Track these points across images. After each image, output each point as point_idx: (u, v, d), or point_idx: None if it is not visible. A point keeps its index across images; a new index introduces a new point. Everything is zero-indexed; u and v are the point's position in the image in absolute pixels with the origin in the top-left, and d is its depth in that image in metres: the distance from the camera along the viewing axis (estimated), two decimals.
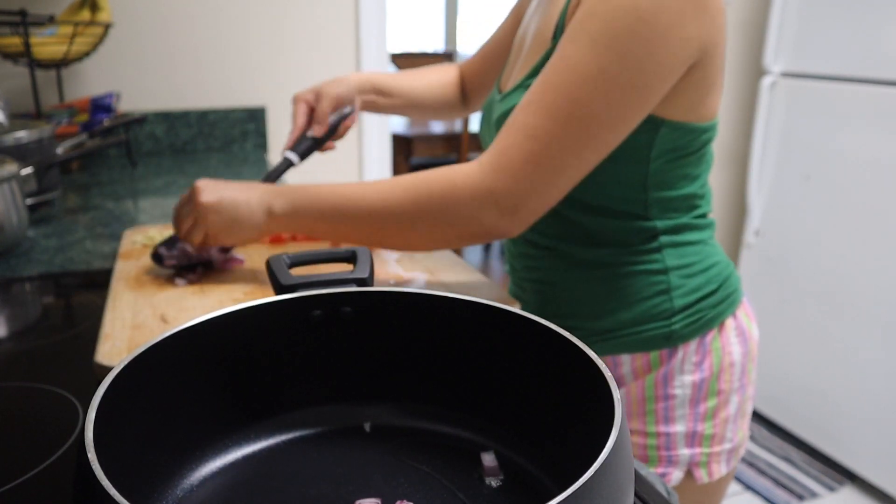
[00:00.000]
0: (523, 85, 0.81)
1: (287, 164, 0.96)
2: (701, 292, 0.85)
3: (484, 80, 1.11)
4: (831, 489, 2.08)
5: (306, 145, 0.99)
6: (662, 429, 0.87)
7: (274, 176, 0.94)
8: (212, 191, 0.80)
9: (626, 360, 0.87)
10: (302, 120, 1.02)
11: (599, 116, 0.71)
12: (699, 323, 0.85)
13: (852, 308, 2.00)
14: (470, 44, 5.34)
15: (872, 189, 1.92)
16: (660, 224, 0.84)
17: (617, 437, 0.33)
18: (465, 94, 1.15)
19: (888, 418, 1.95)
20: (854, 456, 2.07)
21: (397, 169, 3.29)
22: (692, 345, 0.85)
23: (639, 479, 0.51)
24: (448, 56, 4.58)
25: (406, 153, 3.28)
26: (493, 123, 0.87)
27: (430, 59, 4.49)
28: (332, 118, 1.03)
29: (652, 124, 0.77)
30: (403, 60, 4.32)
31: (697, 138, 0.81)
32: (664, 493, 0.51)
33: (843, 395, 2.07)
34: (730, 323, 0.88)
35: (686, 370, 0.85)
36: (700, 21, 0.71)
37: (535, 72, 0.80)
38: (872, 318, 1.95)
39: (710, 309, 0.85)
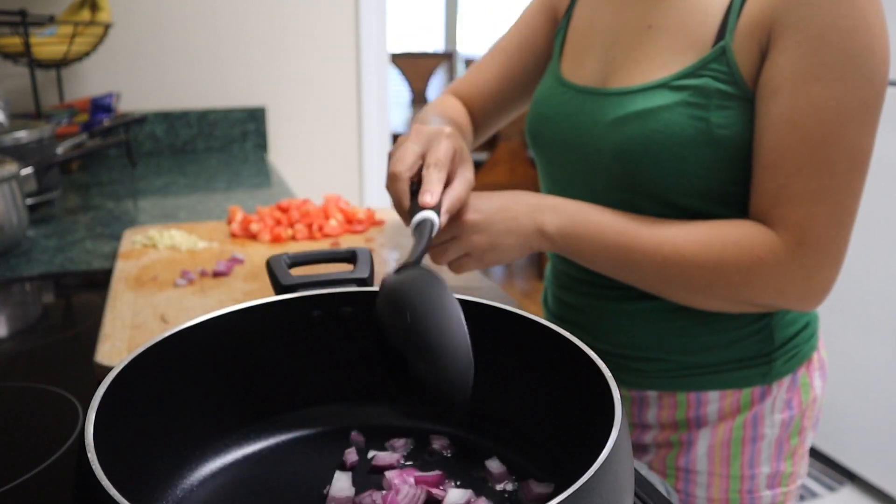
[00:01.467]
0: (670, 84, 0.71)
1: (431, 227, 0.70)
2: (798, 325, 0.80)
3: (500, 105, 0.96)
4: (831, 489, 2.08)
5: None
6: (748, 471, 0.81)
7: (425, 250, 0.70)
8: (474, 207, 0.70)
9: (714, 398, 0.79)
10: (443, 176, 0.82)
11: (868, 152, 0.68)
12: (796, 358, 0.80)
13: (852, 308, 2.00)
14: (470, 44, 5.35)
15: (873, 189, 1.91)
16: None
17: (617, 437, 0.33)
18: (476, 124, 0.98)
19: (888, 418, 1.95)
20: (854, 456, 2.07)
21: None
22: (786, 381, 0.79)
23: (639, 479, 0.51)
24: (448, 56, 4.59)
25: None
26: (610, 123, 0.74)
27: (430, 59, 4.50)
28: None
29: None
30: (403, 60, 4.33)
31: None
32: (664, 493, 0.51)
33: (842, 395, 2.07)
34: (816, 356, 0.83)
35: (777, 408, 0.80)
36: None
37: (688, 73, 0.70)
38: (873, 319, 1.95)
39: (805, 343, 0.80)
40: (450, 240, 0.71)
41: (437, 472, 0.45)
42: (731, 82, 0.68)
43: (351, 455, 0.47)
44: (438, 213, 0.62)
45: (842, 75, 0.64)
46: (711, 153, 0.70)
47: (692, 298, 0.72)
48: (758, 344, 0.78)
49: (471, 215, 0.70)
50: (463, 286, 0.87)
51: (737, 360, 0.78)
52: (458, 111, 0.95)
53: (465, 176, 0.68)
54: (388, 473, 0.45)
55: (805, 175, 0.67)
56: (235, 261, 0.91)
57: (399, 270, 0.51)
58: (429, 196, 0.62)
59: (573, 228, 0.72)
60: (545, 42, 0.93)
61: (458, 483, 0.45)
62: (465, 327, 0.44)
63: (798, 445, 0.83)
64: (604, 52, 0.80)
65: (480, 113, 0.97)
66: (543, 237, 0.72)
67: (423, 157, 0.67)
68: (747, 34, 0.68)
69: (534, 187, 3.06)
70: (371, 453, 0.48)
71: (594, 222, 0.72)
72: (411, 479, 0.44)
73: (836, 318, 2.05)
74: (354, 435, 0.50)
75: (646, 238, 0.70)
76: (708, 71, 0.70)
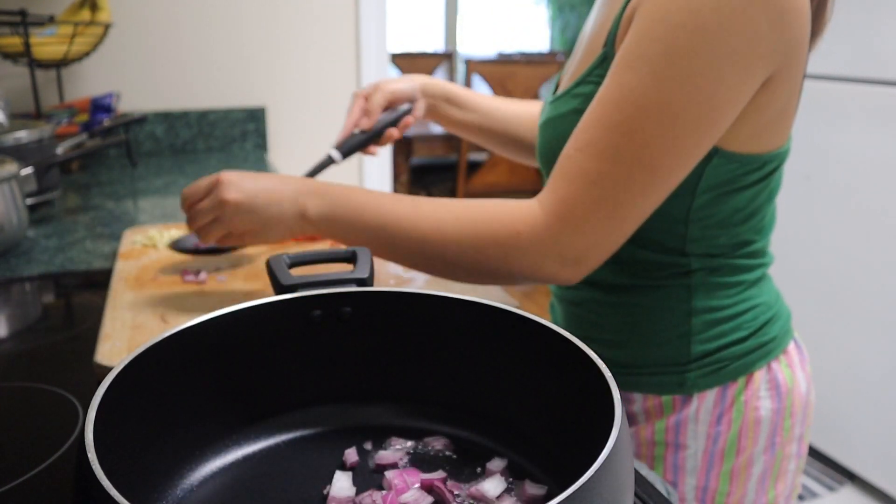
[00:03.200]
0: (571, 93, 0.75)
1: (328, 162, 0.90)
2: (724, 339, 0.77)
3: None
4: (831, 489, 2.08)
5: (353, 142, 0.92)
6: (671, 477, 0.80)
7: (312, 174, 0.89)
8: (238, 187, 0.71)
9: (638, 399, 0.80)
10: (355, 115, 0.94)
11: (667, 156, 0.63)
12: (719, 374, 0.77)
13: (852, 308, 2.00)
14: (470, 44, 5.35)
15: (872, 189, 1.92)
16: (696, 262, 0.76)
17: (617, 438, 0.33)
18: None
19: (888, 418, 1.95)
20: (854, 456, 2.07)
21: (397, 169, 3.30)
22: (710, 395, 0.77)
23: (639, 479, 0.51)
24: (448, 56, 4.59)
25: (406, 153, 3.28)
26: (541, 126, 0.80)
27: (430, 59, 4.50)
28: (384, 115, 0.94)
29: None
30: (403, 60, 4.33)
31: (758, 170, 0.72)
32: (664, 493, 0.51)
33: (842, 395, 2.07)
34: (760, 375, 0.78)
35: (702, 420, 0.78)
36: (775, 33, 0.62)
37: (583, 80, 0.73)
38: (873, 319, 1.95)
39: (734, 359, 0.77)
40: (213, 220, 0.72)
41: (440, 473, 0.45)
42: None
43: (351, 455, 0.47)
44: (341, 151, 0.91)
45: (653, 69, 0.62)
46: None
47: (455, 274, 0.72)
48: (674, 353, 0.77)
49: (233, 195, 0.70)
50: (463, 286, 0.87)
51: (654, 365, 0.78)
52: (534, 107, 1.04)
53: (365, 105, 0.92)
54: (388, 473, 0.45)
55: (589, 153, 0.65)
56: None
57: None
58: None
59: (333, 212, 0.71)
60: None
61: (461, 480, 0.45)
62: None
63: (740, 467, 0.79)
64: (569, 61, 0.85)
65: None
66: (306, 221, 0.72)
67: (374, 87, 0.96)
68: (622, 37, 0.68)
69: (534, 187, 3.06)
70: (375, 452, 0.48)
71: (355, 204, 0.71)
72: (413, 480, 0.44)
73: (835, 319, 2.05)
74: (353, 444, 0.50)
75: (404, 217, 0.70)
76: (593, 77, 0.72)
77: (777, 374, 0.79)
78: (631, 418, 0.81)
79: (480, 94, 1.04)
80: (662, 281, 0.77)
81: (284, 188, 0.72)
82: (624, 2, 0.69)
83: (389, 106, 0.95)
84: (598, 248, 0.67)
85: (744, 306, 0.78)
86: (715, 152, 0.69)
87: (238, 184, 0.71)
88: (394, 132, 0.95)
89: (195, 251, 0.88)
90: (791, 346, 0.82)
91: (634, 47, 0.64)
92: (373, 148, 0.96)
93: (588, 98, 0.71)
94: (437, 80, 1.01)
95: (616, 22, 0.70)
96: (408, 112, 0.97)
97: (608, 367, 0.79)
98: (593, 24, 0.78)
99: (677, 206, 0.72)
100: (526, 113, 1.03)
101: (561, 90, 0.79)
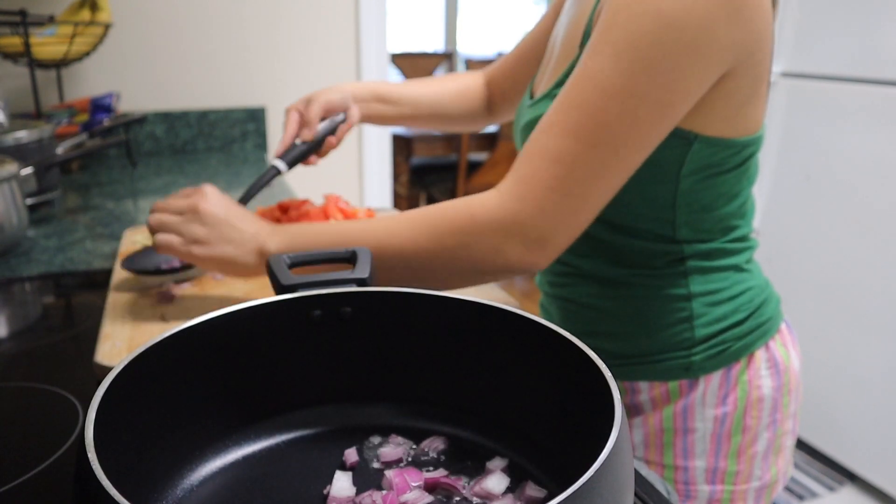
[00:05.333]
0: (550, 94, 0.76)
1: (274, 173, 0.92)
2: (726, 322, 0.79)
3: (515, 85, 1.05)
4: (831, 489, 2.08)
5: (295, 153, 0.95)
6: (681, 462, 0.82)
7: (260, 184, 0.90)
8: (214, 201, 0.72)
9: (645, 388, 0.81)
10: (292, 127, 0.97)
11: (626, 136, 0.65)
12: (723, 355, 0.79)
13: (852, 308, 2.00)
14: (470, 44, 5.34)
15: (873, 189, 1.92)
16: (688, 248, 0.78)
17: (617, 437, 0.33)
18: (492, 102, 1.09)
19: (888, 418, 1.95)
20: (854, 456, 2.07)
21: (397, 169, 3.30)
22: (715, 377, 0.79)
23: (639, 479, 0.51)
24: (448, 56, 4.58)
25: (406, 153, 3.28)
26: (521, 130, 0.82)
27: (430, 59, 4.50)
28: (322, 126, 0.97)
29: (683, 139, 0.71)
30: (403, 60, 4.32)
31: (736, 154, 0.75)
32: (664, 493, 0.51)
33: (842, 395, 2.07)
34: (760, 355, 0.81)
35: (708, 403, 0.80)
36: (733, 26, 0.65)
37: (562, 81, 0.75)
38: (872, 318, 1.95)
39: (735, 340, 0.79)
40: (176, 217, 0.72)
41: (441, 472, 0.45)
42: None
43: (351, 455, 0.47)
44: (285, 161, 0.93)
45: (616, 53, 0.64)
46: None
47: (421, 278, 0.70)
48: (678, 338, 0.79)
49: (207, 206, 0.71)
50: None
51: (659, 352, 0.80)
52: (459, 81, 1.10)
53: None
54: (388, 473, 0.45)
55: (550, 133, 0.66)
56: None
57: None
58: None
59: (293, 243, 0.70)
60: (546, 42, 0.99)
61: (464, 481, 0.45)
62: None
63: (745, 445, 0.81)
64: (543, 63, 0.88)
65: (498, 91, 1.08)
66: (262, 257, 0.71)
67: (308, 100, 0.98)
68: None
69: None
70: (375, 450, 0.48)
71: (313, 233, 0.71)
72: (413, 479, 0.44)
73: (836, 318, 2.05)
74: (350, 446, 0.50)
75: (364, 233, 0.70)
76: None
77: (775, 353, 0.82)
78: (638, 408, 0.83)
79: (407, 83, 1.08)
80: (658, 269, 0.79)
81: (254, 223, 0.72)
82: (595, 0, 0.71)
83: (325, 116, 0.98)
84: (561, 227, 0.67)
85: (739, 288, 0.81)
86: (695, 138, 0.71)
87: (216, 199, 0.72)
88: (332, 140, 0.98)
89: (155, 272, 0.86)
90: (783, 326, 0.85)
91: (599, 35, 0.66)
92: (314, 158, 0.98)
93: None
94: (364, 83, 1.05)
95: (589, 21, 0.72)
96: (343, 121, 1.00)
97: (612, 359, 0.81)
98: (566, 26, 0.80)
99: (664, 192, 0.74)
100: (446, 90, 1.08)
101: (539, 93, 0.80)
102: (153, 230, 0.73)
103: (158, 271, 0.86)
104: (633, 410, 0.83)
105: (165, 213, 0.73)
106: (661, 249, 0.78)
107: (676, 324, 0.79)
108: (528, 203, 0.66)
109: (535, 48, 1.00)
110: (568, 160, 0.65)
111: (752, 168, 0.79)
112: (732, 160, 0.75)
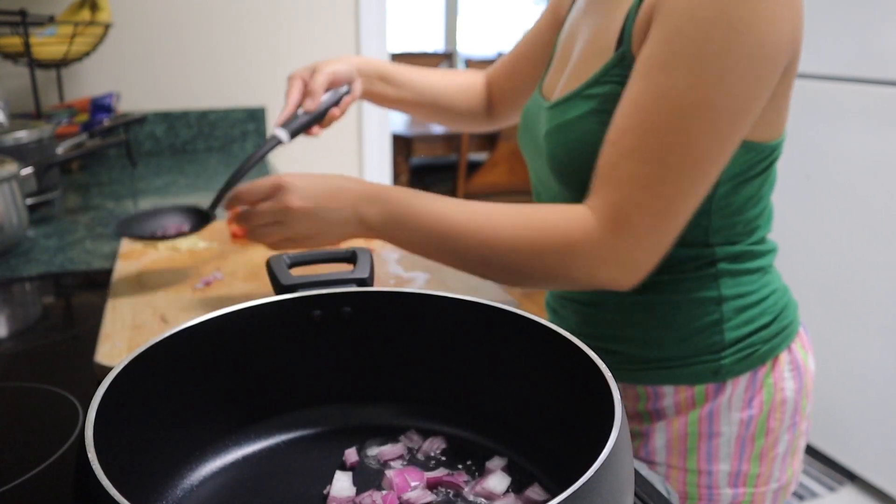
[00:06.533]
0: (581, 94, 0.74)
1: (275, 142, 0.90)
2: (754, 325, 0.79)
3: (514, 86, 1.03)
4: (831, 489, 2.08)
5: (298, 123, 0.92)
6: (705, 466, 0.81)
7: (260, 154, 0.88)
8: (302, 193, 0.72)
9: (669, 392, 0.80)
10: (295, 96, 0.94)
11: (709, 151, 0.65)
12: (751, 358, 0.78)
13: (852, 308, 2.00)
14: (470, 44, 5.34)
15: (873, 189, 1.92)
16: (719, 251, 0.77)
17: (617, 437, 0.33)
18: (491, 102, 1.08)
19: (888, 418, 1.95)
20: (854, 456, 2.07)
21: (397, 168, 3.30)
22: (742, 381, 0.79)
23: (639, 479, 0.51)
24: (448, 56, 4.58)
25: (406, 153, 3.28)
26: (544, 136, 0.79)
27: (430, 59, 4.50)
28: (326, 97, 0.95)
29: None
30: (403, 60, 4.33)
31: (766, 157, 0.74)
32: (664, 493, 0.51)
33: (843, 395, 2.07)
34: (784, 357, 0.81)
35: (734, 407, 0.79)
36: (792, 21, 0.64)
37: (597, 80, 0.73)
38: (873, 318, 1.95)
39: (762, 343, 0.79)
40: (273, 223, 0.73)
41: (442, 471, 0.45)
42: None
43: (351, 455, 0.47)
44: (287, 131, 0.90)
45: (689, 67, 0.63)
46: None
47: (511, 279, 0.72)
48: (708, 341, 0.78)
49: (297, 201, 0.71)
50: (464, 286, 0.88)
51: (687, 356, 0.79)
52: (464, 77, 1.08)
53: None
54: (388, 472, 0.45)
55: (635, 158, 0.66)
56: (216, 280, 0.89)
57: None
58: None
59: (392, 218, 0.72)
60: (546, 43, 0.97)
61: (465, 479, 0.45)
62: None
63: (768, 447, 0.81)
64: (554, 64, 0.86)
65: (497, 92, 1.07)
66: (365, 227, 0.73)
67: (313, 69, 0.96)
68: (640, 35, 0.69)
69: None
70: (375, 449, 0.48)
71: (414, 211, 0.71)
72: (413, 478, 0.44)
73: (836, 318, 2.05)
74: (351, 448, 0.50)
75: (463, 224, 0.71)
76: (611, 77, 0.71)
77: (797, 356, 0.82)
78: (661, 413, 0.82)
79: (412, 68, 1.06)
80: (689, 273, 0.78)
81: (345, 194, 0.73)
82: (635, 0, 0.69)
83: (330, 87, 0.96)
84: (653, 251, 0.68)
85: (766, 291, 0.80)
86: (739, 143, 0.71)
87: (302, 189, 0.72)
88: (336, 112, 0.96)
89: (151, 238, 0.87)
90: (801, 329, 0.85)
91: (664, 46, 0.64)
92: (316, 129, 0.96)
93: (606, 98, 0.71)
94: (372, 59, 1.03)
95: (628, 21, 0.70)
96: (347, 93, 0.97)
97: (635, 364, 0.80)
98: (593, 25, 0.78)
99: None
100: (450, 83, 1.07)
101: (565, 93, 0.77)
102: (254, 236, 0.75)
103: (154, 237, 0.87)
104: (655, 415, 0.81)
105: (259, 219, 0.73)
106: (692, 254, 0.77)
107: (706, 328, 0.78)
108: (624, 232, 0.66)
109: (533, 50, 0.99)
110: (658, 186, 0.65)
111: (774, 172, 0.79)
112: (762, 164, 0.75)
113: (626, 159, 0.66)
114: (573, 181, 0.75)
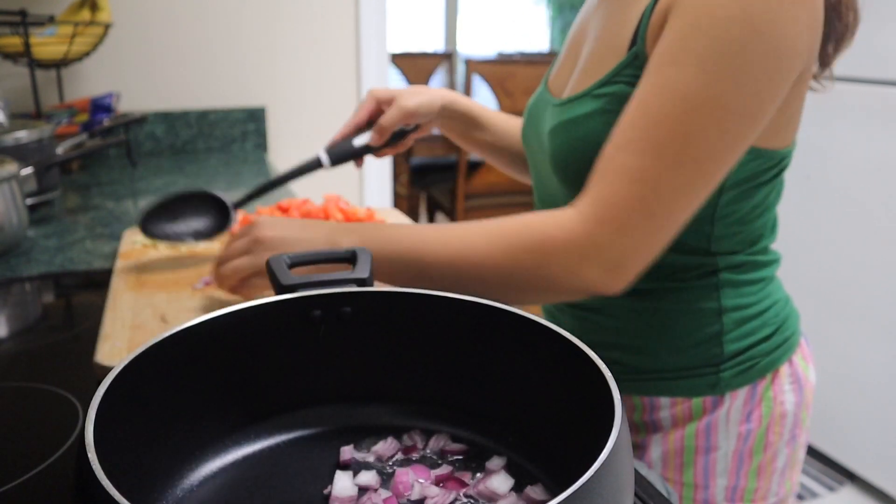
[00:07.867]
0: (591, 93, 0.72)
1: (316, 165, 0.84)
2: (755, 337, 0.77)
3: None
4: (831, 489, 2.08)
5: (346, 151, 0.85)
6: (702, 481, 0.79)
7: (297, 172, 0.83)
8: (274, 224, 0.69)
9: (666, 404, 0.78)
10: (361, 118, 0.89)
11: (712, 151, 0.61)
12: (751, 371, 0.77)
13: (852, 308, 2.00)
14: (470, 44, 5.34)
15: (873, 189, 1.92)
16: (721, 260, 0.75)
17: (617, 437, 0.33)
18: None
19: (888, 418, 1.95)
20: (854, 456, 2.07)
21: (397, 169, 3.30)
22: (741, 394, 0.77)
23: (639, 479, 0.51)
24: (448, 56, 4.58)
25: (406, 153, 3.28)
26: (548, 133, 0.77)
27: (430, 59, 4.50)
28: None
29: None
30: (403, 60, 4.32)
31: (775, 166, 0.72)
32: (664, 493, 0.51)
33: (842, 395, 2.07)
34: (784, 370, 0.79)
35: (733, 420, 0.77)
36: (811, 26, 0.62)
37: (608, 79, 0.71)
38: (873, 319, 1.95)
39: (763, 356, 0.77)
40: (244, 253, 0.69)
41: (447, 469, 0.45)
42: None
43: (345, 452, 0.47)
44: (330, 157, 0.87)
45: (701, 63, 0.60)
46: None
47: (494, 293, 0.67)
48: (707, 353, 0.76)
49: (268, 231, 0.68)
50: None
51: (685, 368, 0.77)
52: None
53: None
54: (398, 470, 0.45)
55: (630, 150, 0.62)
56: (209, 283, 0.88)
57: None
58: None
59: (366, 243, 0.68)
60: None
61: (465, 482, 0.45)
62: None
63: (766, 462, 0.80)
64: (561, 59, 0.85)
65: None
66: None
67: (393, 98, 0.89)
68: (654, 34, 0.67)
69: None
70: (371, 447, 0.48)
71: (386, 237, 0.68)
72: (415, 477, 0.44)
73: (835, 319, 2.05)
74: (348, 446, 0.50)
75: (434, 243, 0.67)
76: (622, 77, 0.69)
77: (797, 368, 0.80)
78: (657, 424, 0.80)
79: (494, 112, 1.01)
80: (690, 282, 0.76)
81: (319, 225, 0.70)
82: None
83: (402, 124, 0.90)
84: (640, 250, 0.63)
85: (767, 303, 0.79)
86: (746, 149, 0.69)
87: (273, 222, 0.70)
88: (389, 150, 0.91)
89: (171, 237, 0.86)
90: (802, 340, 0.84)
91: (678, 41, 0.62)
92: (362, 160, 0.92)
93: (616, 98, 0.69)
94: (459, 100, 0.95)
95: (644, 20, 0.68)
96: (414, 131, 0.91)
97: (631, 374, 0.79)
98: (604, 22, 0.76)
99: (705, 206, 0.70)
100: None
101: (574, 92, 0.76)
102: (227, 282, 0.70)
103: (179, 239, 0.88)
104: (651, 427, 0.80)
105: (230, 253, 0.70)
106: (693, 262, 0.75)
107: (706, 339, 0.76)
108: (608, 225, 0.62)
109: None
110: (650, 180, 0.61)
111: (782, 181, 0.77)
112: (770, 172, 0.73)
113: (621, 151, 0.63)
114: (573, 180, 0.73)
